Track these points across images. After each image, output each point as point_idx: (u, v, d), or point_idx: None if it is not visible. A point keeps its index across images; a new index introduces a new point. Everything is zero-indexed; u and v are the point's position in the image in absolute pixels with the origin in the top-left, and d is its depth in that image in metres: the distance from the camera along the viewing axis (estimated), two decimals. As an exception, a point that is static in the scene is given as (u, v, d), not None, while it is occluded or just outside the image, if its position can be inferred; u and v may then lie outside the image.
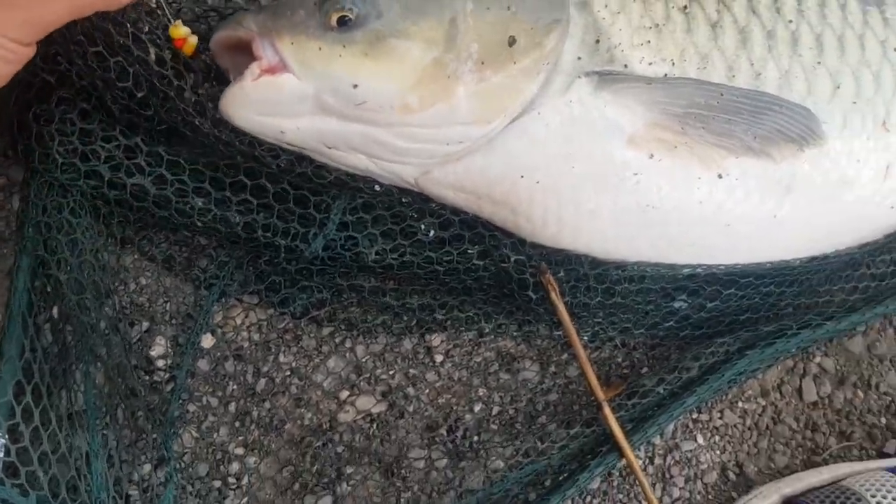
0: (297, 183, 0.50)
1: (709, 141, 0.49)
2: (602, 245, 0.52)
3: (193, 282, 0.52)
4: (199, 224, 0.49)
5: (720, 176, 0.50)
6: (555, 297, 0.52)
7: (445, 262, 0.53)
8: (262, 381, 0.49)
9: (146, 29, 0.45)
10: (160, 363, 0.48)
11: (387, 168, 0.47)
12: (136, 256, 0.51)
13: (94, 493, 0.44)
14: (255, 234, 0.50)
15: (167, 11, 0.45)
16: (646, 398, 0.52)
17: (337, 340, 0.51)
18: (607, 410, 0.49)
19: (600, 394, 0.50)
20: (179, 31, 0.45)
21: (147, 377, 0.48)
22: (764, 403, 0.59)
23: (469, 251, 0.53)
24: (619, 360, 0.57)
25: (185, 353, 0.49)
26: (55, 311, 0.45)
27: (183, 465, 0.45)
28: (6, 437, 0.41)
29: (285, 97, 0.43)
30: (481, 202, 0.50)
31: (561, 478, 0.49)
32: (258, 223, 0.50)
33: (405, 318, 0.53)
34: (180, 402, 0.48)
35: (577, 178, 0.48)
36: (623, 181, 0.48)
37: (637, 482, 0.49)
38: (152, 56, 0.44)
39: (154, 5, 0.45)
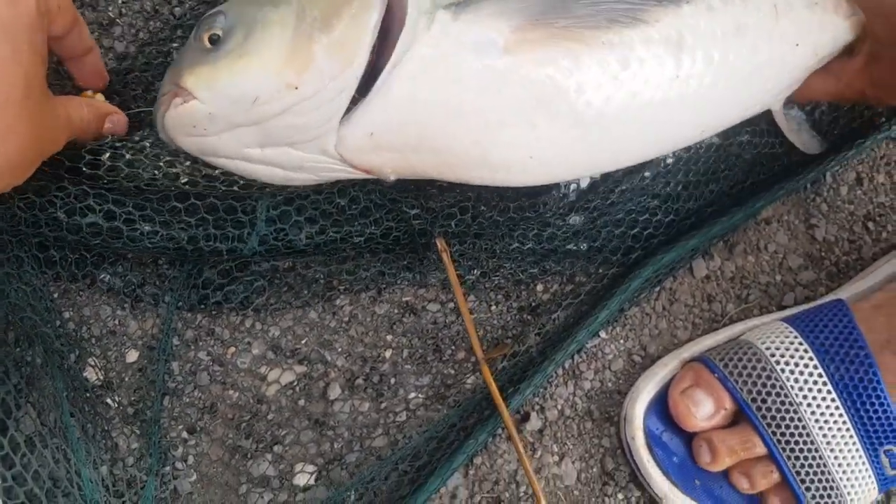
0: (222, 195, 0.56)
1: (579, 26, 0.50)
2: (527, 158, 0.52)
3: (148, 301, 0.58)
4: (149, 245, 0.55)
5: (608, 57, 0.50)
6: (446, 258, 0.57)
7: (363, 233, 0.58)
8: (191, 373, 0.55)
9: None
10: (133, 376, 0.55)
11: (312, 156, 0.52)
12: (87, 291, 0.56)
13: (88, 496, 0.52)
14: (199, 245, 0.55)
15: None
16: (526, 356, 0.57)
17: (248, 325, 0.57)
18: (486, 371, 0.53)
19: (479, 353, 0.54)
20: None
21: (108, 392, 0.54)
22: (657, 289, 0.63)
23: (378, 218, 0.58)
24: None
25: (158, 360, 0.56)
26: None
27: (138, 456, 0.51)
28: None
29: (197, 119, 0.49)
30: (407, 156, 0.52)
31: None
32: (200, 235, 0.55)
33: (307, 290, 0.58)
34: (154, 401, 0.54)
35: (474, 100, 0.50)
36: (514, 87, 0.50)
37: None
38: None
39: None
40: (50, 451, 0.50)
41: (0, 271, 0.52)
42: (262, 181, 0.53)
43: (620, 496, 0.57)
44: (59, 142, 0.47)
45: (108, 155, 0.52)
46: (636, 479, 0.57)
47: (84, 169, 0.51)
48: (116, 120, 0.52)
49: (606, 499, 0.57)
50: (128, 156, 0.52)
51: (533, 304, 0.61)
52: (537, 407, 0.58)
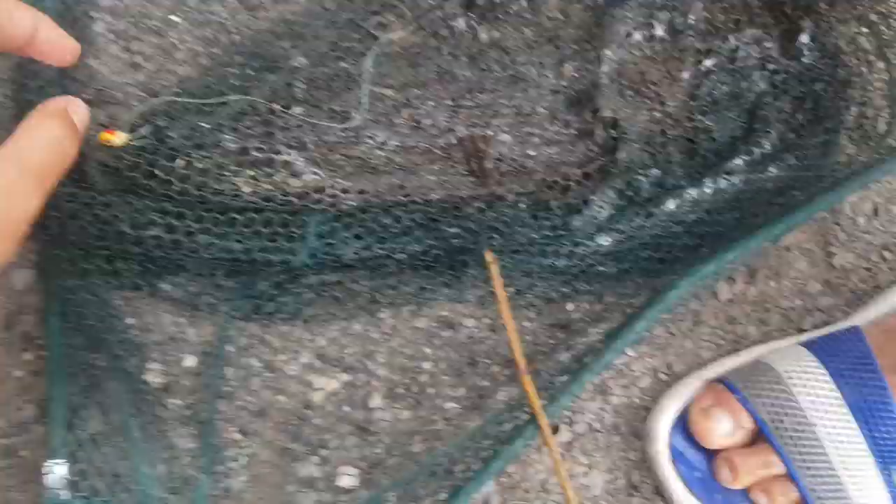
0: (277, 210, 0.59)
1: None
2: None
3: (205, 310, 0.61)
4: (207, 257, 0.58)
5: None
6: (494, 270, 0.60)
7: (405, 250, 0.61)
8: (244, 378, 0.58)
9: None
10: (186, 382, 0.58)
11: None
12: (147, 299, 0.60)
13: (147, 492, 0.55)
14: (253, 257, 0.59)
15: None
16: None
17: (296, 335, 0.60)
18: (526, 381, 0.56)
19: (521, 363, 0.57)
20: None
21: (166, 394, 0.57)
22: (683, 310, 0.65)
23: (420, 236, 0.61)
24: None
25: (214, 365, 0.59)
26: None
27: (193, 456, 0.54)
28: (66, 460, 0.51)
29: None
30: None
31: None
32: (254, 247, 0.59)
33: (351, 303, 0.61)
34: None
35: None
36: None
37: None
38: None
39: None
40: (112, 448, 0.53)
41: (70, 281, 0.55)
42: None
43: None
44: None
45: (181, 163, 0.55)
46: (660, 492, 0.60)
47: (157, 173, 0.55)
48: (79, 112, 0.42)
49: (631, 509, 0.60)
50: (199, 165, 0.56)
51: (563, 321, 0.64)
52: (567, 420, 0.61)
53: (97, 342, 0.55)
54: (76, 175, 0.55)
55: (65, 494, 0.49)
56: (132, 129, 0.58)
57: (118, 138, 0.56)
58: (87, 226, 0.54)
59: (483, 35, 0.71)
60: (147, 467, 0.54)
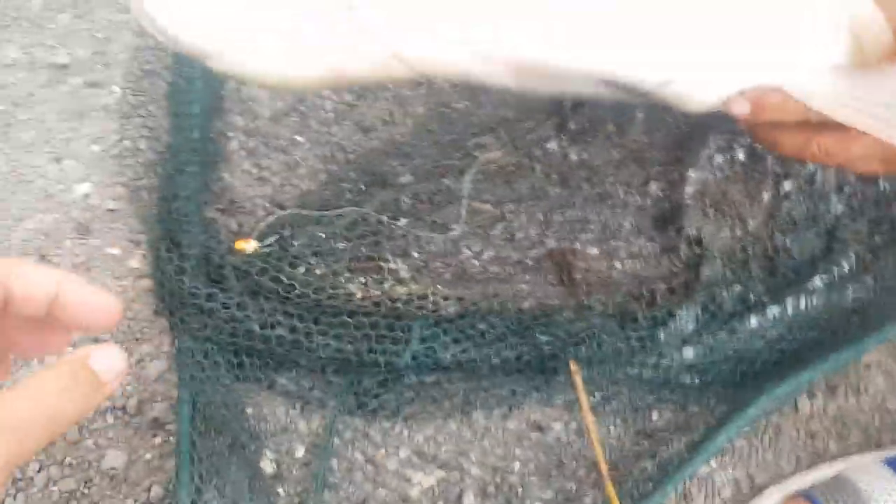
0: (385, 314, 0.65)
1: None
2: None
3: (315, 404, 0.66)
4: (321, 356, 0.63)
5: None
6: (577, 380, 0.64)
7: (499, 355, 0.66)
8: (348, 470, 0.62)
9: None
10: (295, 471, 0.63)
11: None
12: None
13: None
14: (362, 357, 0.64)
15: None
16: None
17: (396, 430, 0.64)
18: (610, 487, 0.60)
19: (604, 471, 0.60)
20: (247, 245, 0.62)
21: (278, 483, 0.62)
22: (764, 423, 0.68)
23: (513, 342, 0.66)
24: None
25: (321, 457, 0.63)
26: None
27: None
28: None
29: None
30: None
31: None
32: (363, 349, 0.64)
33: (448, 403, 0.66)
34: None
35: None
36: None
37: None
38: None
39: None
40: (229, 530, 0.58)
41: (200, 373, 0.61)
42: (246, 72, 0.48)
43: None
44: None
45: (303, 269, 0.62)
46: None
47: (282, 278, 0.61)
48: (108, 363, 0.35)
49: None
50: (318, 271, 0.62)
51: (648, 430, 0.66)
52: (651, 526, 0.63)
53: (220, 429, 0.60)
54: (215, 276, 0.61)
55: (189, 572, 0.54)
56: (261, 238, 0.65)
57: (250, 246, 0.63)
58: (222, 323, 0.60)
59: (573, 156, 0.77)
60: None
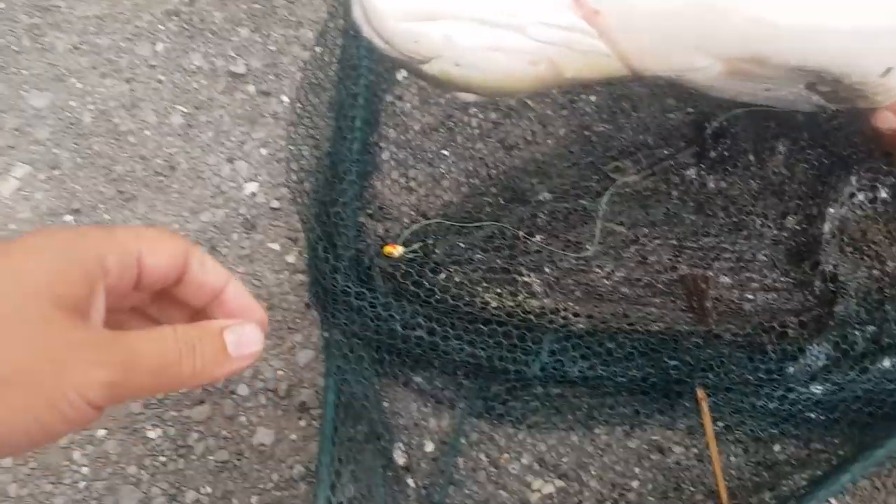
0: (518, 325, 0.68)
1: None
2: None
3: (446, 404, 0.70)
4: (455, 359, 0.68)
5: None
6: (704, 407, 0.66)
7: (625, 374, 0.68)
8: (472, 469, 0.66)
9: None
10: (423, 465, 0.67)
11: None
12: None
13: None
14: (493, 363, 0.68)
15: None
16: None
17: (520, 437, 0.67)
18: None
19: (725, 499, 0.61)
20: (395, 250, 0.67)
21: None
22: (889, 466, 0.67)
23: (640, 364, 0.68)
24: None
25: (448, 454, 0.68)
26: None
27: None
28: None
29: None
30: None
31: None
32: (495, 355, 0.68)
33: (571, 416, 0.68)
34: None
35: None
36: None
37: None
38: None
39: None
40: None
41: (347, 366, 0.66)
42: (463, 74, 0.52)
43: None
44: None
45: (443, 276, 0.66)
46: None
47: (423, 283, 0.66)
48: (243, 340, 0.35)
49: None
50: (457, 279, 0.66)
51: (769, 461, 0.67)
52: (767, 558, 0.64)
53: (359, 418, 0.65)
54: (364, 277, 0.67)
55: (326, 545, 0.59)
56: (406, 244, 0.70)
57: (396, 251, 0.68)
58: (368, 321, 0.65)
59: (711, 184, 0.78)
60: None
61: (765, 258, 0.74)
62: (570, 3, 0.49)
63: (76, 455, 0.65)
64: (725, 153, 0.78)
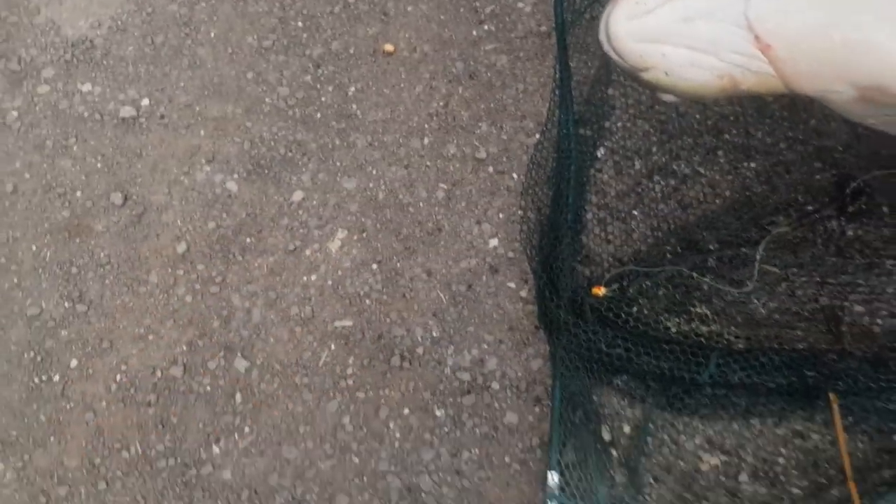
0: (689, 343, 0.95)
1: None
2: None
3: (637, 399, 0.98)
4: (644, 368, 0.95)
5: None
6: (835, 407, 0.89)
7: (773, 381, 0.93)
8: (657, 446, 0.93)
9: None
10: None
11: (724, 28, 0.73)
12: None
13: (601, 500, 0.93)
14: (673, 373, 0.95)
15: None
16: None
17: (694, 424, 0.94)
18: (853, 486, 0.84)
19: (849, 473, 0.84)
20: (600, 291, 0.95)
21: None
22: None
23: (785, 372, 0.92)
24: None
25: (638, 437, 0.96)
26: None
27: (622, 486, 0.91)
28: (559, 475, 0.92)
29: None
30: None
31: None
32: (673, 366, 0.95)
33: (732, 410, 0.94)
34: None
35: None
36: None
37: None
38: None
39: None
40: (581, 472, 0.92)
41: (567, 372, 0.95)
42: (670, 81, 0.76)
43: None
44: None
45: (634, 309, 0.94)
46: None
47: (621, 315, 0.94)
48: None
49: None
50: (645, 311, 0.94)
51: (889, 448, 0.89)
52: (884, 519, 0.86)
53: (577, 407, 0.95)
54: (578, 311, 0.96)
55: (559, 494, 0.89)
56: (607, 285, 0.98)
57: (601, 291, 0.96)
58: (581, 342, 0.94)
59: (849, 232, 0.99)
60: (600, 487, 0.92)
61: (893, 290, 0.95)
62: (752, 39, 0.72)
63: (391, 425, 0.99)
64: (863, 206, 0.99)
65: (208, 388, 1.02)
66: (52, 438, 1.00)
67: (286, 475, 0.97)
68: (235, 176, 1.14)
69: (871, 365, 0.90)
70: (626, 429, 0.95)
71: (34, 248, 1.11)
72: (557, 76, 1.05)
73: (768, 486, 0.90)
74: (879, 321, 0.93)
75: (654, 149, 1.09)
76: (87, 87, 1.22)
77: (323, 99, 1.19)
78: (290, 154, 1.15)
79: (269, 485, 0.96)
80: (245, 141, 1.16)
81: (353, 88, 1.20)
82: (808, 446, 0.91)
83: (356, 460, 0.97)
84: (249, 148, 1.16)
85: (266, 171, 1.14)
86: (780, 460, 0.91)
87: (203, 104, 1.19)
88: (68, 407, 1.02)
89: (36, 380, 1.04)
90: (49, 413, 1.02)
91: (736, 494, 0.90)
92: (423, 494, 0.95)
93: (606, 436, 0.95)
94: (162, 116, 1.19)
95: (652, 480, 0.93)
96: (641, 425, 0.95)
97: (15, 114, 1.21)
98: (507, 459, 0.96)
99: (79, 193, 1.14)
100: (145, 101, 1.20)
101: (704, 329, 0.95)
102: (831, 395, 0.89)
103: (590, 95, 1.12)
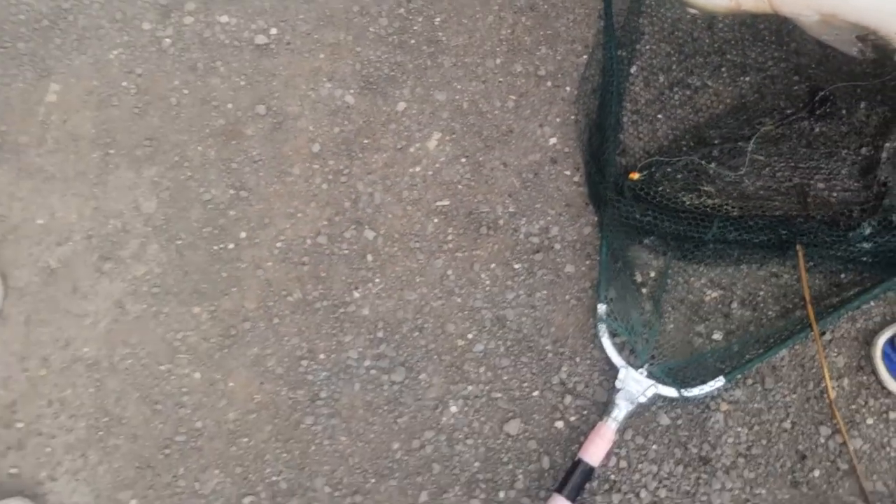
0: (699, 212, 1.33)
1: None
2: None
3: (660, 252, 1.37)
4: (667, 231, 1.33)
5: None
6: (800, 255, 1.27)
7: (757, 238, 1.31)
8: (673, 286, 1.33)
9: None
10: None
11: None
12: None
13: (635, 327, 1.33)
14: (686, 234, 1.33)
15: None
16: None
17: (701, 269, 1.33)
18: (811, 309, 1.23)
19: (808, 300, 1.24)
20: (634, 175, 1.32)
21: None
22: (907, 286, 1.25)
23: (766, 231, 1.31)
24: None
25: (662, 278, 1.35)
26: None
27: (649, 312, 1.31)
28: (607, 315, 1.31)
29: None
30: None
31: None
32: (687, 230, 1.33)
33: (728, 260, 1.33)
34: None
35: None
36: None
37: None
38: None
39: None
40: (621, 304, 1.31)
41: (610, 235, 1.33)
42: None
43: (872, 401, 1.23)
44: None
45: (660, 188, 1.31)
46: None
47: (650, 192, 1.31)
48: None
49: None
50: (667, 189, 1.31)
51: (838, 283, 1.28)
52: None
53: (616, 259, 1.33)
54: (619, 190, 1.32)
55: (606, 318, 1.28)
56: (640, 170, 1.34)
57: (635, 176, 1.33)
58: (621, 214, 1.31)
59: (816, 129, 1.35)
60: (634, 313, 1.31)
61: (845, 173, 1.32)
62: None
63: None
64: (827, 110, 1.35)
65: (346, 251, 1.40)
66: (233, 289, 1.38)
67: (409, 311, 1.36)
68: (351, 91, 1.48)
69: (827, 225, 1.28)
70: (652, 274, 1.34)
71: (200, 148, 1.46)
72: (603, 9, 1.38)
73: (751, 311, 1.30)
74: (835, 194, 1.31)
75: (674, 66, 1.43)
76: (224, 19, 1.53)
77: (415, 28, 1.52)
78: (392, 73, 1.49)
79: (396, 318, 1.36)
80: (356, 62, 1.50)
81: (438, 19, 1.52)
82: (780, 283, 1.30)
83: (458, 300, 1.36)
84: (360, 68, 1.49)
85: (374, 87, 1.48)
86: (761, 293, 1.30)
87: (320, 33, 1.52)
88: (243, 266, 1.40)
89: (215, 247, 1.41)
90: (229, 271, 1.40)
91: (728, 316, 1.30)
92: (508, 322, 1.35)
93: (638, 278, 1.34)
94: (288, 43, 1.51)
95: (670, 308, 1.32)
96: (663, 271, 1.33)
97: (168, 41, 1.53)
98: (567, 297, 1.35)
99: (230, 105, 1.48)
100: (273, 31, 1.52)
101: (710, 202, 1.32)
102: (798, 247, 1.27)
103: (625, 23, 1.45)
